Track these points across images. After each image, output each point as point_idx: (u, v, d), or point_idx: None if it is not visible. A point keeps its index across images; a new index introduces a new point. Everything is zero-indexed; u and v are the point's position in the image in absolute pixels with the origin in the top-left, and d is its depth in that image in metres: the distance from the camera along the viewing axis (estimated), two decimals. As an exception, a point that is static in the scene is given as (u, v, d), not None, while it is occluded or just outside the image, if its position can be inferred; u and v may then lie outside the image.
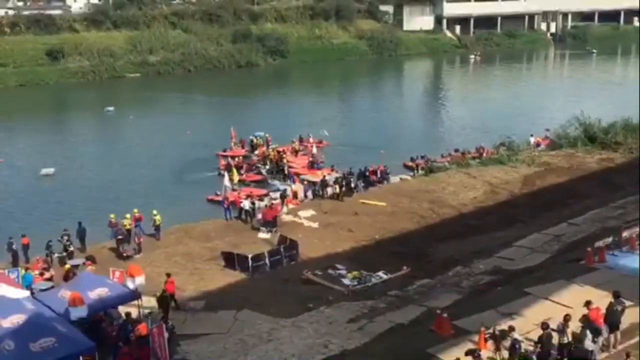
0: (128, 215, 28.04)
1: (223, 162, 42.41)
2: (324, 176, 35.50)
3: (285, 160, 41.79)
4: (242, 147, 47.04)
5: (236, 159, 42.87)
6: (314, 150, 44.39)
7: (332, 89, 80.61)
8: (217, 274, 24.57)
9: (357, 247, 27.52)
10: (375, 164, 38.51)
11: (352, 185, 33.97)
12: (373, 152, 45.32)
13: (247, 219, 30.08)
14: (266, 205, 29.99)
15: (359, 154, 45.14)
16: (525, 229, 27.99)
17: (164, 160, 45.53)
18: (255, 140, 47.14)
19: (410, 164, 41.89)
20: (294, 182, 37.32)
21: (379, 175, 37.27)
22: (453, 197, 33.02)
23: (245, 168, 41.48)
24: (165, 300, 20.40)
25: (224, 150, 45.95)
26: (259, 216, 30.20)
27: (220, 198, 33.10)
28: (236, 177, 38.72)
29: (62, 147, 50.78)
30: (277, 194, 36.41)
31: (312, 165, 41.58)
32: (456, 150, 44.16)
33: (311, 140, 47.53)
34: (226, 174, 36.38)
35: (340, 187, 32.61)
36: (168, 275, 21.96)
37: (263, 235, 28.47)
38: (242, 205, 30.25)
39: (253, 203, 30.65)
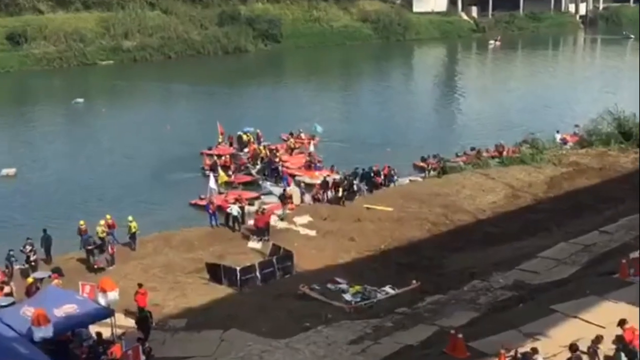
0: (102, 222, 28.05)
1: (208, 161, 42.44)
2: (324, 178, 35.53)
3: (278, 160, 41.84)
4: (230, 145, 47.07)
5: (223, 158, 42.93)
6: (312, 148, 44.45)
7: (332, 78, 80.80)
8: (201, 289, 24.56)
9: (360, 258, 27.54)
10: (381, 163, 38.56)
11: (355, 188, 34.01)
12: (378, 150, 45.36)
13: (235, 226, 30.07)
14: (257, 211, 30.01)
15: (363, 152, 45.18)
16: (550, 237, 28.03)
17: (141, 159, 45.55)
18: (244, 137, 47.20)
19: (420, 164, 41.97)
20: (288, 184, 37.37)
21: (384, 176, 37.37)
22: (469, 202, 33.06)
23: (233, 168, 41.51)
24: (146, 320, 20.39)
25: (209, 148, 45.97)
26: (249, 223, 30.25)
27: (204, 202, 33.13)
28: (223, 178, 38.73)
29: (24, 144, 50.73)
30: (270, 198, 36.48)
31: (310, 166, 41.66)
32: (473, 149, 44.22)
33: (303, 136, 47.68)
34: (211, 175, 36.38)
35: (343, 191, 32.67)
36: (139, 285, 21.94)
37: (253, 244, 28.46)
38: (229, 210, 30.26)
39: (242, 208, 30.65)
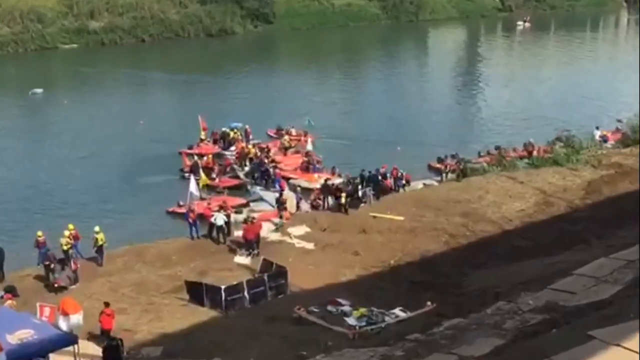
0: (66, 232, 28.06)
1: (188, 162, 42.52)
2: (324, 181, 35.58)
3: (270, 160, 41.87)
4: (214, 143, 47.19)
5: (205, 158, 43.01)
6: (309, 146, 44.54)
7: (333, 65, 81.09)
8: (179, 311, 24.53)
9: (366, 275, 27.55)
10: (390, 164, 38.69)
11: (359, 193, 34.06)
12: (387, 149, 45.46)
13: (220, 238, 30.09)
14: (246, 220, 30.04)
15: (369, 151, 45.32)
16: (588, 251, 27.97)
17: (109, 160, 45.68)
18: (231, 134, 47.32)
19: (436, 165, 42.06)
20: (281, 188, 37.43)
21: (394, 179, 37.44)
22: (493, 210, 33.11)
23: (217, 170, 41.60)
24: (116, 349, 20.29)
25: (190, 147, 46.09)
26: (236, 234, 30.26)
27: (183, 210, 33.17)
28: (205, 182, 38.79)
29: (-27, 142, 50.87)
30: (260, 205, 36.46)
31: (307, 167, 41.74)
32: (497, 148, 44.34)
33: (294, 132, 47.79)
34: (192, 178, 36.43)
35: (346, 197, 32.73)
36: (106, 304, 21.91)
37: (241, 259, 28.48)
38: (213, 219, 30.28)
39: (228, 216, 30.69)
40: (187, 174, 40.21)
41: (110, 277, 27.06)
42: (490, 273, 26.89)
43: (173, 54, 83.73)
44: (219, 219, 30.13)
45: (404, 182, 37.82)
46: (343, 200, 32.77)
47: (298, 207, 33.96)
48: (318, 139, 47.62)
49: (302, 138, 46.72)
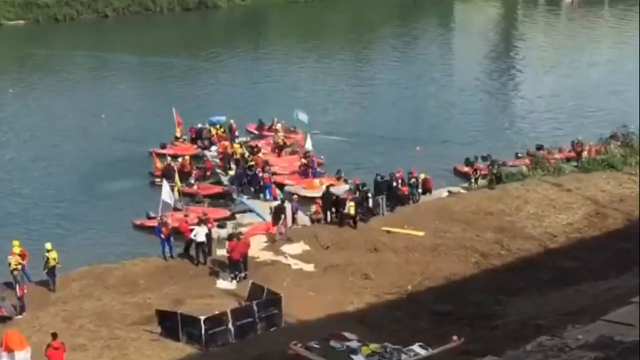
0: (17, 249, 28.00)
1: (159, 164, 42.62)
2: (327, 188, 35.51)
3: (257, 162, 41.76)
4: (192, 141, 47.26)
5: (181, 160, 43.05)
6: (308, 145, 44.52)
7: (337, 45, 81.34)
8: (149, 347, 24.43)
9: (378, 303, 27.53)
10: (408, 168, 38.74)
11: (370, 203, 34.02)
12: (404, 148, 45.51)
13: (200, 258, 30.11)
14: (231, 236, 29.99)
15: (382, 151, 45.41)
16: (651, 275, 28.02)
17: (64, 162, 45.81)
18: (212, 130, 47.42)
19: (464, 168, 42.09)
20: (273, 197, 37.31)
21: (412, 186, 37.45)
22: (534, 223, 33.14)
23: (196, 174, 41.66)
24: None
25: (162, 146, 46.18)
26: (219, 253, 30.20)
27: (154, 223, 33.17)
28: (181, 190, 38.71)
29: None
30: (248, 217, 36.42)
31: (306, 171, 41.76)
32: (539, 147, 44.41)
33: (279, 128, 48.06)
34: (165, 184, 36.39)
35: (355, 207, 32.68)
36: (53, 335, 21.84)
37: (225, 284, 28.46)
38: (192, 235, 30.26)
39: (209, 231, 30.67)
40: (158, 179, 40.13)
41: (65, 306, 27.01)
42: (530, 301, 26.84)
43: (142, 32, 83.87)
44: (200, 234, 30.09)
45: (422, 189, 37.77)
46: (352, 211, 32.69)
47: (294, 219, 33.90)
48: (322, 137, 47.65)
49: (295, 136, 46.68)
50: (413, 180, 37.64)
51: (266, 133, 48.57)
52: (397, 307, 27.21)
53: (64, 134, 50.86)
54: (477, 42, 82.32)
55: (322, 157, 44.19)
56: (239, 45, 78.99)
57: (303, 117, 47.37)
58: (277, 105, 53.91)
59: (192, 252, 30.37)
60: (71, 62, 72.38)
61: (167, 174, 40.29)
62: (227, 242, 29.78)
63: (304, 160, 42.69)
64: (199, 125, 47.75)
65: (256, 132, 49.15)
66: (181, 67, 70.12)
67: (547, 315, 25.72)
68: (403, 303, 27.62)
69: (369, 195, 34.60)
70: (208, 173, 42.59)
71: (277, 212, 32.76)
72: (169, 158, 43.29)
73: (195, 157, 44.56)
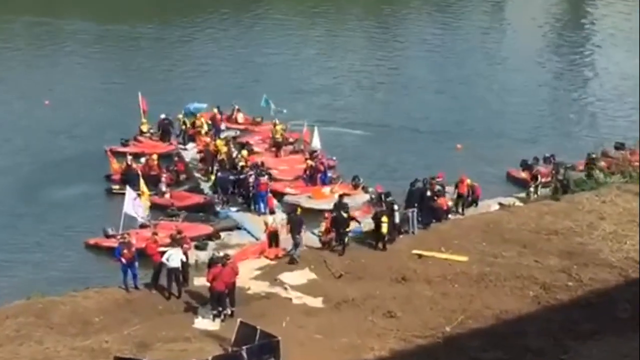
0: None
1: (117, 165, 42.90)
2: (340, 198, 35.33)
3: (246, 163, 41.83)
4: (162, 137, 47.52)
5: (144, 160, 43.21)
6: (315, 142, 44.53)
7: (353, 9, 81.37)
8: (105, 406, 24.51)
9: (406, 350, 27.43)
10: (449, 172, 38.89)
11: (396, 217, 33.98)
12: (441, 146, 45.81)
13: (173, 288, 30.14)
14: (213, 260, 29.97)
15: (411, 150, 45.68)
16: None
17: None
18: (188, 122, 47.65)
19: (521, 174, 42.09)
20: (269, 209, 37.39)
21: (459, 195, 37.65)
22: (612, 246, 32.99)
23: (166, 179, 41.84)
24: None
25: (124, 142, 46.49)
26: (197, 282, 30.22)
27: (114, 243, 33.31)
28: (148, 199, 38.72)
29: None
30: (237, 235, 36.52)
31: (314, 176, 41.98)
32: (619, 147, 44.60)
33: (240, 117, 48.51)
34: (129, 192, 36.43)
35: (378, 223, 32.65)
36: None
37: (205, 323, 28.39)
38: (165, 258, 30.21)
39: (185, 255, 30.63)
40: (116, 186, 40.45)
41: (-5, 351, 27.15)
42: (607, 347, 26.86)
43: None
44: (173, 258, 30.06)
45: (469, 199, 37.90)
46: (385, 228, 32.75)
47: (296, 240, 33.85)
48: (333, 131, 47.94)
49: (304, 130, 46.70)
50: (439, 187, 37.36)
51: (229, 125, 48.81)
52: (430, 356, 27.06)
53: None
54: (538, 11, 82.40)
55: (334, 158, 44.38)
56: (225, 10, 79.14)
57: (271, 104, 48.10)
58: (274, 89, 53.86)
59: (163, 281, 30.30)
60: (7, 30, 72.66)
61: (129, 178, 40.51)
62: (208, 269, 29.81)
63: (310, 162, 42.79)
64: (163, 116, 47.80)
65: (210, 122, 49.12)
66: (150, 39, 70.33)
67: (629, 367, 25.81)
68: (439, 349, 27.46)
69: (395, 207, 34.49)
70: (181, 177, 42.72)
71: (291, 219, 32.91)
72: (129, 158, 43.38)
73: (165, 157, 44.73)
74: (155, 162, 42.92)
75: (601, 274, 31.28)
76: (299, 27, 74.98)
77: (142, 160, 43.23)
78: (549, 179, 40.37)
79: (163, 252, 30.44)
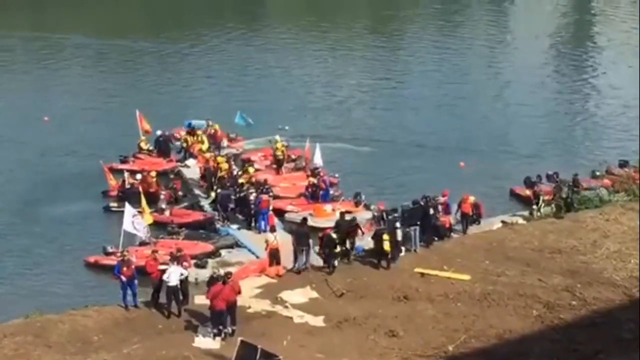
0: None
1: (114, 182, 42.92)
2: (342, 215, 35.27)
3: (245, 180, 41.82)
4: (160, 154, 47.48)
5: (140, 177, 42.84)
6: (317, 158, 44.53)
7: (356, 24, 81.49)
8: None
9: (408, 370, 27.53)
10: (453, 190, 38.80)
11: (398, 234, 33.92)
12: (443, 163, 45.72)
13: (173, 307, 30.09)
14: (214, 278, 29.93)
15: (413, 166, 45.63)
16: None
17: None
18: (189, 138, 47.64)
19: (524, 191, 41.99)
20: (270, 227, 37.35)
21: (463, 214, 37.55)
22: (617, 265, 32.86)
23: (165, 197, 41.85)
24: None
25: (123, 159, 46.51)
26: (198, 301, 30.07)
27: (113, 260, 33.26)
28: (149, 218, 38.66)
29: None
30: (237, 253, 36.50)
31: (316, 193, 41.95)
32: (623, 164, 44.50)
33: (216, 130, 48.09)
34: (128, 209, 36.38)
35: (378, 240, 32.60)
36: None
37: (205, 341, 28.38)
38: (165, 276, 30.21)
39: (185, 273, 30.61)
40: (114, 204, 40.51)
41: (-8, 372, 27.10)
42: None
43: (100, 7, 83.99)
44: (172, 276, 30.03)
45: (473, 217, 37.85)
46: (387, 245, 32.60)
47: (297, 259, 33.89)
48: (335, 146, 47.91)
49: (306, 147, 46.55)
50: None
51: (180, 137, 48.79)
52: (433, 376, 27.19)
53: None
54: (543, 27, 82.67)
55: (336, 175, 44.33)
56: (227, 24, 79.22)
57: (244, 120, 48.35)
58: (276, 105, 54.00)
59: (163, 299, 30.28)
60: (4, 45, 72.67)
61: (127, 195, 40.51)
62: (208, 287, 29.79)
63: (312, 180, 42.78)
64: (159, 132, 47.89)
65: (165, 136, 48.97)
66: (151, 54, 70.40)
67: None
68: (441, 370, 27.61)
69: (398, 225, 34.43)
70: (179, 195, 42.75)
71: (300, 235, 32.87)
72: (126, 174, 43.37)
73: (165, 174, 44.90)
74: (154, 179, 42.86)
75: (605, 293, 31.22)
76: (301, 43, 75.07)
77: (138, 176, 43.07)
78: (552, 196, 40.30)
79: (163, 271, 30.45)
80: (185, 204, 42.28)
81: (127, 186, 42.24)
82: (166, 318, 29.93)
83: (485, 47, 74.63)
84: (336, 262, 32.69)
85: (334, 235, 32.60)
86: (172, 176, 44.94)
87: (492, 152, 48.59)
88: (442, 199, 37.83)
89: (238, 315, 29.24)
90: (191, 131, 48.08)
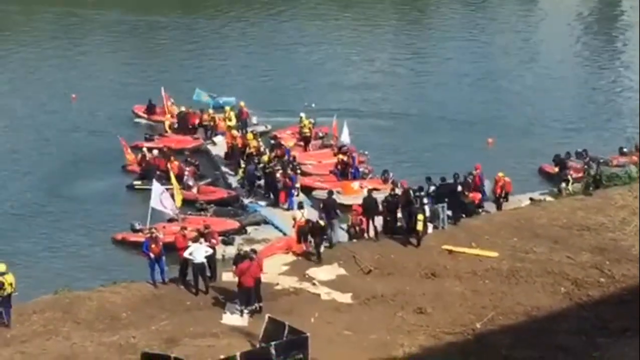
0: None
1: (131, 156, 43.41)
2: (369, 192, 35.29)
3: (276, 159, 41.95)
4: (187, 129, 47.79)
5: (155, 153, 43.33)
6: (345, 136, 44.57)
7: (386, 2, 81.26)
8: (133, 402, 24.64)
9: (436, 347, 27.31)
10: (475, 165, 38.80)
11: (427, 210, 33.95)
12: (471, 140, 45.84)
13: (200, 284, 30.19)
14: (240, 256, 30.00)
15: (441, 143, 45.74)
16: None
17: (22, 158, 46.39)
18: (216, 117, 47.82)
19: (553, 169, 41.93)
20: (295, 203, 37.54)
21: (485, 191, 37.75)
22: (646, 242, 32.97)
23: (190, 173, 41.97)
24: None
25: (148, 137, 46.81)
26: (225, 278, 30.38)
27: (141, 237, 33.43)
28: (179, 195, 38.76)
29: None
30: (264, 230, 36.78)
31: (346, 171, 42.12)
32: (651, 141, 44.39)
33: (173, 108, 48.42)
34: (156, 186, 36.54)
35: (409, 218, 32.84)
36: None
37: (233, 318, 28.43)
38: (188, 254, 30.30)
39: (212, 250, 30.72)
40: (137, 182, 41.06)
41: (23, 346, 27.13)
42: (639, 346, 26.78)
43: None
44: (198, 253, 30.11)
45: (502, 194, 37.82)
46: (420, 225, 32.62)
47: (324, 234, 33.97)
48: (360, 121, 47.84)
49: (333, 124, 46.54)
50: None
51: (159, 118, 49.45)
52: (460, 353, 26.99)
53: (20, 121, 51.44)
54: (573, 2, 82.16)
55: (366, 152, 44.46)
56: (256, 3, 79.17)
57: (203, 95, 48.80)
58: (304, 82, 53.92)
59: (191, 276, 30.54)
60: (32, 22, 72.93)
61: (147, 172, 41.07)
62: (234, 264, 29.84)
63: (341, 157, 42.81)
64: (182, 109, 48.28)
65: (145, 115, 49.95)
66: (177, 30, 70.42)
67: (660, 365, 25.73)
68: (469, 346, 27.39)
69: (425, 201, 34.47)
70: (194, 172, 42.78)
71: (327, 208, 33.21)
72: (145, 149, 43.68)
73: (191, 153, 45.33)
74: (172, 159, 42.87)
75: (633, 270, 31.11)
76: (330, 20, 74.88)
77: (155, 152, 43.54)
78: (581, 174, 40.26)
79: (187, 247, 30.62)
80: (209, 179, 42.65)
81: (146, 162, 42.72)
82: (194, 295, 30.05)
83: (515, 26, 74.38)
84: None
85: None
86: (209, 153, 45.60)
87: (521, 130, 48.66)
88: (475, 172, 37.84)
89: (265, 292, 29.36)
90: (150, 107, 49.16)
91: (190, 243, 30.50)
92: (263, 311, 28.15)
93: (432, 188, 35.60)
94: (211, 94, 50.12)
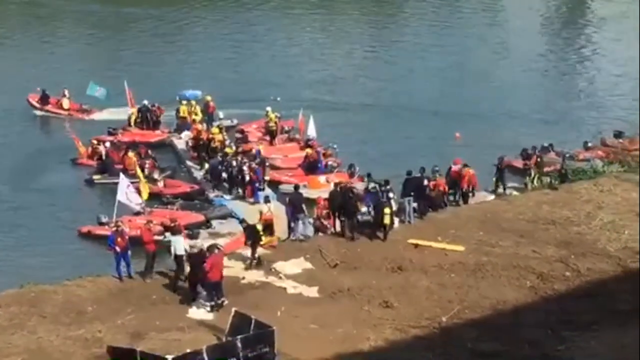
0: None
1: (83, 149, 43.71)
2: (337, 186, 35.26)
3: (243, 153, 42.09)
4: (148, 123, 48.02)
5: (114, 144, 43.75)
6: (311, 130, 44.67)
7: (352, 1, 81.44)
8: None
9: (402, 340, 27.48)
10: (443, 160, 38.88)
11: (393, 205, 34.07)
12: (438, 134, 46.11)
13: (180, 274, 30.20)
14: (207, 248, 29.93)
15: (409, 137, 45.97)
16: None
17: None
18: (182, 109, 47.93)
19: (519, 163, 42.27)
20: (262, 197, 37.49)
21: (457, 185, 37.74)
22: (610, 236, 33.18)
23: (150, 167, 42.22)
24: None
25: (111, 131, 46.81)
26: (190, 270, 30.31)
27: (107, 231, 33.49)
28: (146, 188, 38.77)
29: None
30: (229, 225, 36.83)
31: (314, 165, 42.22)
32: (618, 135, 44.85)
33: (66, 103, 49.23)
34: (123, 179, 36.51)
35: (379, 212, 32.99)
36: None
37: (199, 312, 28.46)
38: (172, 244, 30.25)
39: (197, 244, 30.66)
40: (96, 176, 41.31)
41: (-12, 340, 27.25)
42: (604, 339, 26.94)
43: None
44: (178, 244, 30.02)
45: (468, 188, 37.95)
46: (387, 219, 32.87)
47: (290, 228, 34.05)
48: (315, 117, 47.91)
49: (300, 119, 46.61)
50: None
51: (55, 110, 50.18)
52: (427, 346, 27.15)
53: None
54: (541, 2, 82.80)
55: (335, 146, 44.48)
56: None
57: (101, 92, 48.71)
58: (268, 76, 53.95)
59: (159, 269, 30.63)
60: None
61: (106, 165, 41.44)
62: (210, 257, 29.65)
63: (309, 151, 42.98)
64: (145, 102, 48.45)
65: (38, 105, 50.27)
66: (145, 23, 70.26)
67: (625, 358, 25.94)
68: (435, 340, 27.55)
69: (391, 195, 34.64)
70: (155, 165, 43.24)
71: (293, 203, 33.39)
72: (103, 145, 44.04)
73: (157, 147, 45.34)
74: (144, 150, 43.47)
75: (599, 264, 31.52)
76: (298, 13, 75.02)
77: (108, 144, 43.86)
78: (552, 168, 40.56)
79: (157, 241, 30.56)
80: (168, 172, 42.75)
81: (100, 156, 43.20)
82: (164, 288, 30.06)
83: (481, 22, 74.64)
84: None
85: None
86: (177, 146, 45.95)
87: (487, 124, 48.91)
88: (454, 167, 37.88)
89: (232, 286, 29.49)
90: None
91: (159, 237, 30.48)
92: (229, 305, 28.16)
93: (372, 185, 35.77)
94: (102, 89, 50.08)
